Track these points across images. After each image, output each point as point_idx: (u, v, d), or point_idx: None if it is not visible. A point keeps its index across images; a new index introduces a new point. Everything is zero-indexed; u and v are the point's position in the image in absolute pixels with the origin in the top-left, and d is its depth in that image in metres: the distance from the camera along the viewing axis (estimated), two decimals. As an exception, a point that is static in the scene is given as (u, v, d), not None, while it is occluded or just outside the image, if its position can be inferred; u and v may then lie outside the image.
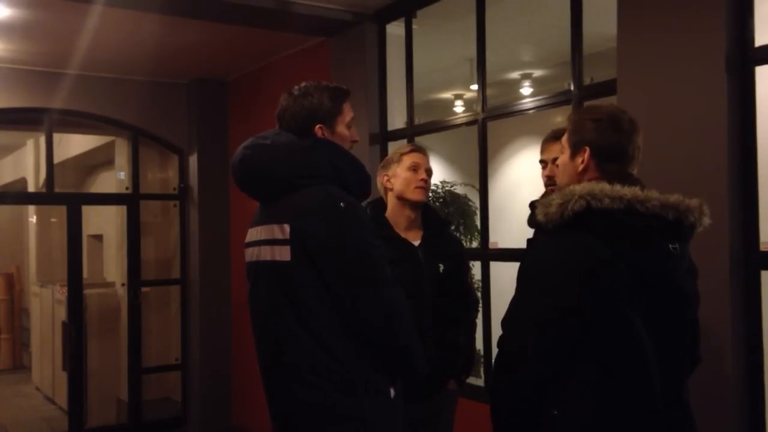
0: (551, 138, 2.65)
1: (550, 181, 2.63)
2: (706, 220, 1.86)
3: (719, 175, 2.66)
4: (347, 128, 2.23)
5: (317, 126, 2.16)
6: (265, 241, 2.11)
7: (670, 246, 1.81)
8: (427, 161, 2.95)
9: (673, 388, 1.84)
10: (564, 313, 1.73)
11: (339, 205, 2.02)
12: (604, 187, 1.77)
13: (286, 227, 2.03)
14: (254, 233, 2.19)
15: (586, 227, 1.76)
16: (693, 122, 2.76)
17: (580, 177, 1.92)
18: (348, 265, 2.00)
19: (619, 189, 1.77)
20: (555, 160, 2.41)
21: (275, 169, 2.09)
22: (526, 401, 1.79)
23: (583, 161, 1.92)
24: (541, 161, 2.73)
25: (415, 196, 2.88)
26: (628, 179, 1.85)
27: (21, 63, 5.67)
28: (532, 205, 2.03)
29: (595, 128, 1.91)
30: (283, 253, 2.03)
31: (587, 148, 1.91)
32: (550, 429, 1.77)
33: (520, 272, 1.90)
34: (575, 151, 1.94)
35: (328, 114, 2.18)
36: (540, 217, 1.82)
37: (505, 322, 1.87)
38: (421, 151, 2.97)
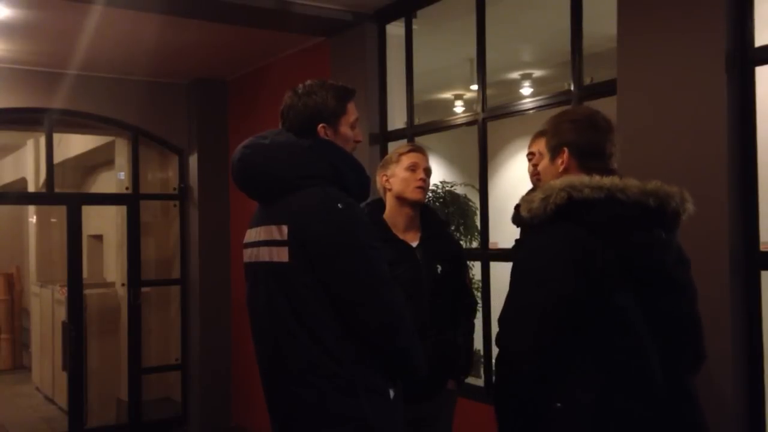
0: (540, 132, 2.67)
1: (536, 170, 2.66)
2: (690, 207, 1.88)
3: (719, 175, 2.65)
4: (351, 129, 2.20)
5: (320, 125, 2.14)
6: (264, 242, 2.10)
7: (655, 232, 1.82)
8: (426, 161, 2.95)
9: (675, 380, 1.84)
10: (562, 303, 1.75)
11: (337, 206, 2.00)
12: (583, 178, 1.81)
13: (284, 228, 2.02)
14: (253, 234, 2.18)
15: (571, 219, 1.78)
16: (693, 122, 2.75)
17: (561, 176, 1.94)
18: (346, 267, 1.99)
19: (598, 179, 1.80)
20: None
21: (274, 169, 2.08)
22: (529, 396, 1.79)
23: (563, 161, 1.96)
24: (529, 153, 2.77)
25: (414, 195, 2.87)
26: (608, 173, 1.87)
27: (21, 63, 5.66)
28: (517, 206, 2.07)
29: (573, 128, 1.96)
30: (281, 254, 2.02)
31: (566, 149, 1.95)
32: (554, 422, 1.78)
33: (513, 270, 1.91)
34: (555, 153, 1.99)
35: (332, 114, 2.15)
36: (524, 213, 1.86)
37: (503, 320, 1.88)
38: (419, 150, 2.97)
